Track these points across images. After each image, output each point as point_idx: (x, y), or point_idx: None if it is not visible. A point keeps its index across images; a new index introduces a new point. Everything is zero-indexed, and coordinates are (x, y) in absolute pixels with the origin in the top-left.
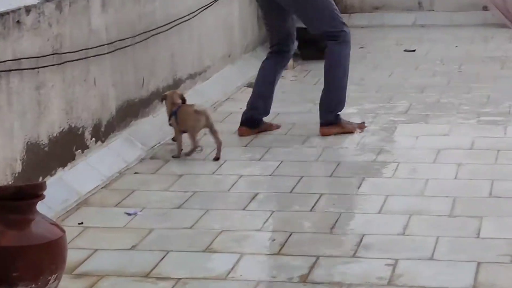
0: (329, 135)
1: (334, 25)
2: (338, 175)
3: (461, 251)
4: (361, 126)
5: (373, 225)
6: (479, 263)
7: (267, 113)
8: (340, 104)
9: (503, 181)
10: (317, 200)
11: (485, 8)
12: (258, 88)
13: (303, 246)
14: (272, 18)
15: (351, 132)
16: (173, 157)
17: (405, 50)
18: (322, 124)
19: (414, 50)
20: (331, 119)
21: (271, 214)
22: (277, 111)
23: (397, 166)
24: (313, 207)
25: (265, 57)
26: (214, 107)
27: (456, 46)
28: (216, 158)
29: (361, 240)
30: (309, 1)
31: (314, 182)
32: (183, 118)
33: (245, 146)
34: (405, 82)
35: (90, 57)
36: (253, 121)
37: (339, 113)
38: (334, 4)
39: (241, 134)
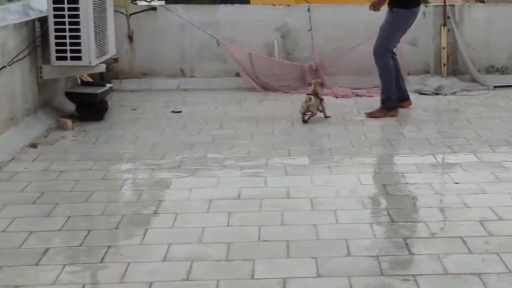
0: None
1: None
2: (122, 228)
3: None
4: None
5: (160, 272)
6: None
7: None
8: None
9: (269, 226)
10: (105, 253)
11: (237, 74)
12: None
13: None
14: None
15: None
16: None
17: (172, 111)
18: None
19: (180, 111)
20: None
21: (63, 268)
22: (60, 169)
23: (176, 216)
24: (102, 259)
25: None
26: (0, 167)
27: (216, 108)
28: None
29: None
30: None
31: (101, 234)
32: None
33: (33, 203)
34: (175, 140)
35: None
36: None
37: None
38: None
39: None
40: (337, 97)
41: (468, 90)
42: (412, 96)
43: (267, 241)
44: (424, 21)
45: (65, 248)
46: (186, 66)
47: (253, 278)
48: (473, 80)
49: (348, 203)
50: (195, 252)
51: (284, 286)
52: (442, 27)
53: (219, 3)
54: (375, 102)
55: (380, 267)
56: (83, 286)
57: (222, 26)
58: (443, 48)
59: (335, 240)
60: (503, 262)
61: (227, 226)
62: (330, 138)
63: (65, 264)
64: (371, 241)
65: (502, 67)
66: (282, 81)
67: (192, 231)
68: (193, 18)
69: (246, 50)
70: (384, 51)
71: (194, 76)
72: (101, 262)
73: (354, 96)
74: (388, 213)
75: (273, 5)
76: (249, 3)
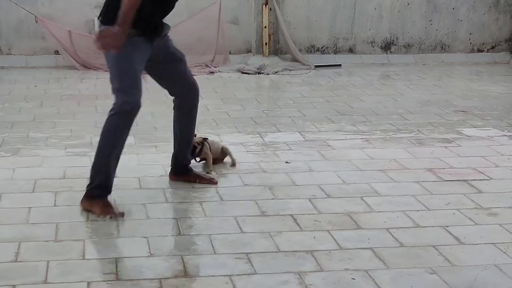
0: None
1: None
2: None
3: (70, 272)
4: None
5: None
6: (88, 283)
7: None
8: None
9: None
10: None
11: (56, 52)
12: None
13: None
14: None
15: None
16: None
17: None
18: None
19: None
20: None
21: None
22: None
23: (0, 196)
24: None
25: None
26: None
27: (35, 86)
28: None
29: None
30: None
31: None
32: None
33: None
34: None
35: None
36: None
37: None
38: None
39: None
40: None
41: (290, 70)
42: (234, 75)
43: (96, 221)
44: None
45: None
46: (2, 43)
47: (84, 259)
48: (295, 60)
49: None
50: (22, 232)
51: (117, 266)
52: (264, 5)
53: None
54: (198, 80)
55: (213, 246)
56: None
57: (40, 2)
58: (265, 27)
59: (166, 219)
60: (334, 239)
61: (54, 206)
62: (154, 117)
63: None
64: (201, 219)
65: (322, 47)
66: (103, 59)
67: (18, 211)
68: None
69: (66, 27)
70: None
71: (11, 54)
72: None
73: None
74: (218, 193)
75: None
76: None
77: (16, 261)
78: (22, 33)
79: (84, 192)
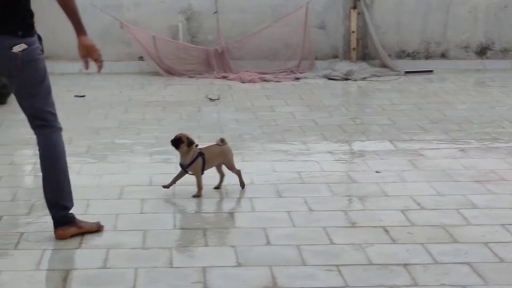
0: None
1: (52, 106)
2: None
3: (158, 280)
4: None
5: (76, 260)
6: None
7: None
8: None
9: (184, 213)
10: (19, 239)
11: (141, 58)
12: None
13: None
14: None
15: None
16: None
17: (76, 96)
18: (56, 225)
19: (84, 96)
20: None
21: None
22: None
23: (88, 203)
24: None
25: None
26: None
27: (120, 92)
28: None
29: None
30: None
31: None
32: None
33: None
34: (80, 125)
35: None
36: None
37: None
38: None
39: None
40: (243, 82)
41: (379, 76)
42: (321, 82)
43: (183, 228)
44: (333, 3)
45: None
46: None
47: (171, 267)
48: (384, 65)
49: (263, 190)
50: (111, 239)
51: (204, 275)
52: (352, 9)
53: None
54: (283, 87)
55: (302, 257)
56: None
57: (126, 8)
58: (353, 31)
59: (253, 229)
60: (428, 252)
61: (141, 213)
62: (239, 124)
63: None
64: (290, 229)
65: (413, 52)
66: (187, 65)
67: (105, 218)
68: (95, 0)
69: (150, 33)
70: None
71: None
72: (15, 248)
73: (261, 81)
74: (306, 201)
75: None
76: None
77: (105, 267)
78: (107, 39)
79: (57, 222)
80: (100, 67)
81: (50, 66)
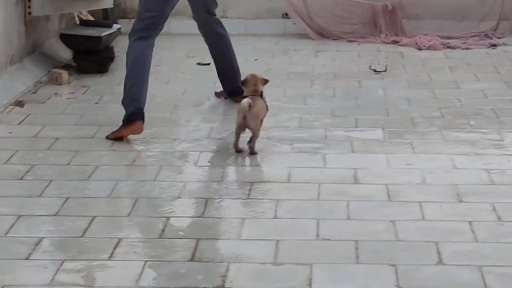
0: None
1: None
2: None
3: None
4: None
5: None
6: None
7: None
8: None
9: (330, 220)
10: (116, 245)
11: (285, 15)
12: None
13: None
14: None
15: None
16: None
17: (198, 64)
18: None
19: (208, 64)
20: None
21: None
22: (54, 136)
23: (206, 202)
24: (111, 254)
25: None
26: None
27: (256, 60)
28: None
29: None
30: None
31: (108, 222)
32: None
33: (21, 178)
34: (202, 100)
35: None
36: None
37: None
38: None
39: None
40: (420, 49)
41: None
42: None
43: (328, 239)
44: None
45: (63, 239)
46: None
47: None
48: None
49: (437, 193)
50: (232, 251)
51: None
52: None
53: None
54: (473, 56)
55: (484, 282)
56: None
57: None
58: None
59: (421, 243)
60: None
61: (274, 218)
62: (411, 104)
63: (64, 260)
64: (471, 245)
65: None
66: (346, 26)
67: (227, 222)
68: None
69: None
70: (131, 34)
71: (226, 17)
72: (109, 259)
73: (444, 47)
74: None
75: None
76: None
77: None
78: None
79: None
80: None
81: (167, 25)
